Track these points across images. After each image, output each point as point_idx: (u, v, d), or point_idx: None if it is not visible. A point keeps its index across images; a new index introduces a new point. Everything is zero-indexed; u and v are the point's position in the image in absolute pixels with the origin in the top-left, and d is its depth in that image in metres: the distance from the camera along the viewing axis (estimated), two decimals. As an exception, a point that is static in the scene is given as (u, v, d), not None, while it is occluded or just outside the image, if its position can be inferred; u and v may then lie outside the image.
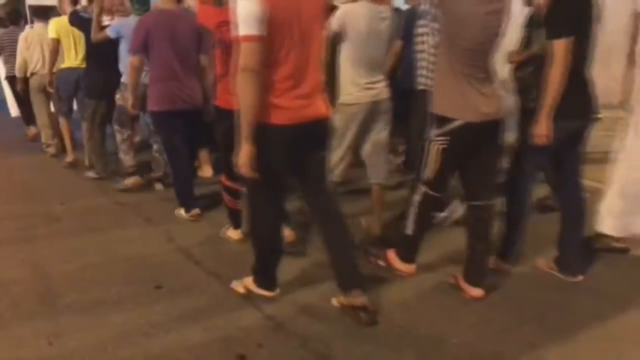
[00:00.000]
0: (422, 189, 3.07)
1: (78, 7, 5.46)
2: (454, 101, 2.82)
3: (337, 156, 3.58)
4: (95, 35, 4.94)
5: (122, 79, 4.92)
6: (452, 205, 4.06)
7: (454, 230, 3.80)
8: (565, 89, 2.83)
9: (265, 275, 3.03)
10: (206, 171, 5.54)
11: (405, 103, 4.41)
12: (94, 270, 3.48)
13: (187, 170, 4.50)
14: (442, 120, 2.87)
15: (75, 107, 6.11)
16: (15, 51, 6.58)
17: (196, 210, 4.36)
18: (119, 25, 4.85)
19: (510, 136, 3.24)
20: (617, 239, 3.59)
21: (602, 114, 7.87)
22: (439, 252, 3.58)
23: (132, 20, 4.65)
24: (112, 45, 4.89)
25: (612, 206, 3.57)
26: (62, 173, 6.05)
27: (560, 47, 2.79)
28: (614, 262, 3.49)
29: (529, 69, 3.26)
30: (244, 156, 2.52)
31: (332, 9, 3.53)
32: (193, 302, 3.06)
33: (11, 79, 7.19)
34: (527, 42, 3.73)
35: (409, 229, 3.19)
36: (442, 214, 3.98)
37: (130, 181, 5.22)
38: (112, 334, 2.74)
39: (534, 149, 2.98)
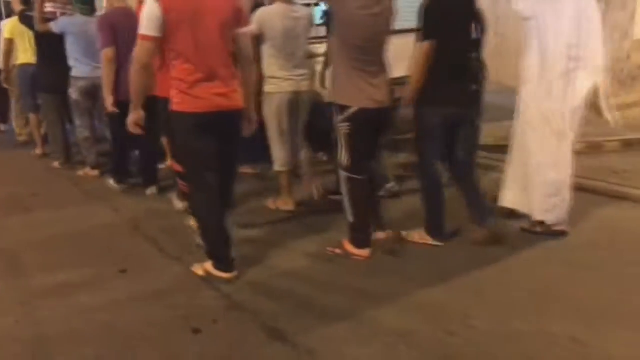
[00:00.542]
0: (344, 174, 3.45)
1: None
2: (349, 91, 3.33)
3: (276, 147, 4.18)
4: (39, 26, 5.26)
5: (72, 74, 5.21)
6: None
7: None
8: (438, 82, 3.39)
9: (219, 258, 3.27)
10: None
11: None
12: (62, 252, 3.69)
13: (126, 149, 5.04)
14: (342, 108, 3.35)
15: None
16: None
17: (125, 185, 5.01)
18: (65, 23, 5.16)
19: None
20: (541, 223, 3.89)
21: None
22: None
23: (79, 18, 5.07)
24: (60, 41, 5.17)
25: (511, 183, 3.92)
26: (31, 164, 6.28)
27: (421, 49, 3.37)
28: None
29: (473, 54, 3.58)
30: (132, 119, 3.13)
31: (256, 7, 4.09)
32: (156, 283, 3.29)
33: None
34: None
35: (351, 216, 3.50)
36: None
37: (94, 173, 5.54)
38: (78, 310, 2.97)
39: (423, 131, 3.55)
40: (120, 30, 4.52)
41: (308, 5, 5.48)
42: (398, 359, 2.52)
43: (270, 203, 4.47)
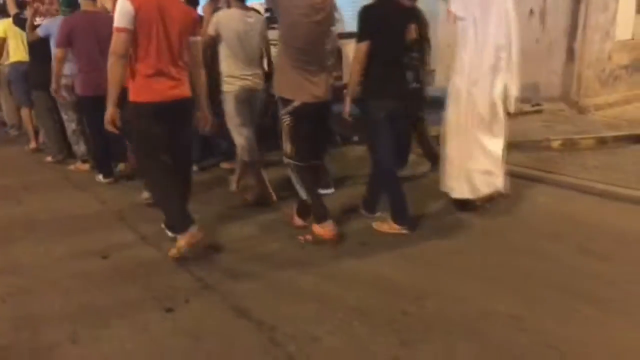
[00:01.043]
0: (290, 162, 3.78)
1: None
2: (291, 86, 3.69)
3: (240, 139, 4.52)
4: (29, 36, 5.71)
5: None
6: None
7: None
8: (381, 79, 3.75)
9: (178, 226, 3.57)
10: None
11: None
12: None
13: (106, 144, 5.28)
14: (285, 102, 3.71)
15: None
16: None
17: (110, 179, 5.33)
18: (47, 25, 5.49)
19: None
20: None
21: (543, 106, 8.51)
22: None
23: (59, 20, 5.31)
24: (48, 42, 5.47)
25: (446, 172, 4.27)
26: (24, 158, 6.54)
27: (358, 50, 3.75)
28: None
29: (414, 54, 3.90)
30: (108, 115, 3.36)
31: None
32: (134, 267, 3.50)
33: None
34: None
35: (306, 197, 3.88)
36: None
37: (84, 167, 5.77)
38: (59, 289, 3.20)
39: (371, 126, 3.87)
40: (81, 32, 4.94)
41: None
42: (350, 334, 2.73)
43: (236, 188, 4.84)
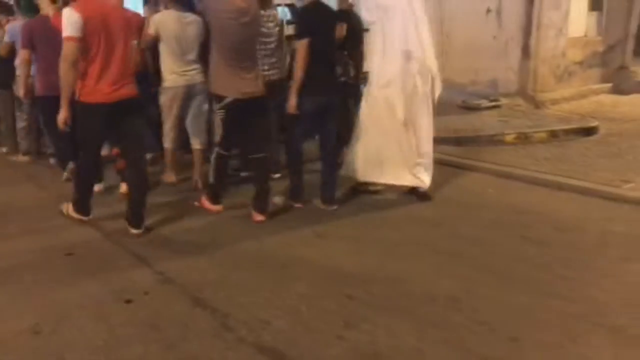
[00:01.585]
0: (216, 149, 4.17)
1: None
2: (224, 83, 4.05)
3: (167, 126, 4.93)
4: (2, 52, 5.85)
5: (17, 72, 5.71)
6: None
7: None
8: (310, 75, 4.09)
9: (82, 204, 4.14)
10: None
11: None
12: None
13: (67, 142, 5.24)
14: (219, 98, 4.07)
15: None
16: None
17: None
18: (13, 31, 5.64)
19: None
20: (370, 184, 4.74)
21: (501, 102, 8.81)
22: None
23: (21, 23, 5.51)
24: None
25: (354, 157, 4.61)
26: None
27: (300, 47, 4.11)
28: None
29: (344, 51, 4.37)
30: (61, 117, 3.73)
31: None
32: (94, 262, 3.64)
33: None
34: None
35: (212, 179, 4.32)
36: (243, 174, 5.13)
37: (24, 159, 6.19)
38: (23, 287, 3.32)
39: (295, 115, 4.22)
40: (39, 35, 5.14)
41: (279, 5, 5.99)
42: (298, 317, 2.93)
43: (165, 177, 5.19)
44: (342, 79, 4.35)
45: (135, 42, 3.99)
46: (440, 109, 7.69)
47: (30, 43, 5.15)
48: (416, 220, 4.29)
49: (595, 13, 9.62)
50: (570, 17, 8.81)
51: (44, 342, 2.77)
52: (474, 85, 8.71)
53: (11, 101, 6.09)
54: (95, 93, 3.73)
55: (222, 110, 4.09)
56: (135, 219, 4.03)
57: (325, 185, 4.48)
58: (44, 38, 5.08)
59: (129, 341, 2.76)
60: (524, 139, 6.68)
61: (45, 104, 5.24)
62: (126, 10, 3.94)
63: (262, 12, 4.77)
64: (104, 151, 4.65)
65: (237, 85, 4.03)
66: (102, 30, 3.66)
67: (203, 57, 4.72)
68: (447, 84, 8.99)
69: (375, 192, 4.78)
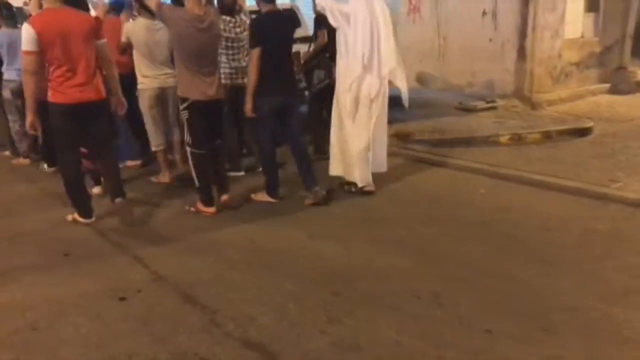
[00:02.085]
0: (189, 149, 4.49)
1: None
2: (187, 86, 4.37)
3: (151, 129, 5.29)
4: None
5: (4, 77, 5.98)
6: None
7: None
8: (267, 77, 4.44)
9: (81, 207, 4.36)
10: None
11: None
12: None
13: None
14: (183, 99, 4.40)
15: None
16: None
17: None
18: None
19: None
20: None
21: (497, 103, 8.89)
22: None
23: (5, 30, 5.84)
24: None
25: (337, 157, 4.95)
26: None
27: (254, 54, 4.46)
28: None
29: (314, 61, 4.78)
30: (29, 122, 4.09)
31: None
32: (90, 261, 3.77)
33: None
34: (314, 37, 5.93)
35: (197, 182, 4.52)
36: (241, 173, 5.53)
37: (24, 162, 6.36)
38: (21, 286, 3.45)
39: (258, 117, 4.63)
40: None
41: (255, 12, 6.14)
42: (283, 313, 3.04)
43: (154, 178, 5.45)
44: (326, 81, 4.76)
45: (100, 42, 4.24)
46: (438, 110, 7.91)
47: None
48: (405, 219, 4.40)
49: (591, 14, 9.68)
50: (567, 19, 8.88)
51: (41, 339, 2.90)
52: (470, 87, 8.82)
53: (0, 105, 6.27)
54: (62, 94, 4.08)
55: (186, 111, 4.41)
56: (116, 191, 4.48)
57: (304, 175, 4.77)
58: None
59: (121, 336, 2.88)
60: (518, 140, 6.75)
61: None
62: (79, 15, 4.18)
63: (230, 18, 5.15)
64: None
65: (199, 87, 4.35)
66: (59, 39, 3.96)
67: (174, 62, 4.85)
68: (445, 86, 9.20)
69: (370, 192, 4.89)
